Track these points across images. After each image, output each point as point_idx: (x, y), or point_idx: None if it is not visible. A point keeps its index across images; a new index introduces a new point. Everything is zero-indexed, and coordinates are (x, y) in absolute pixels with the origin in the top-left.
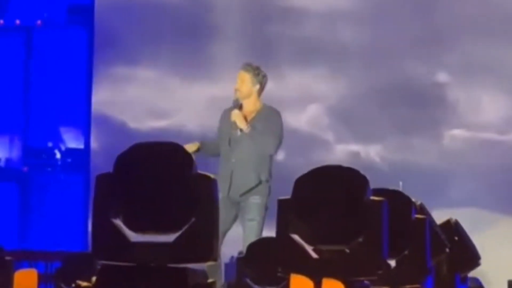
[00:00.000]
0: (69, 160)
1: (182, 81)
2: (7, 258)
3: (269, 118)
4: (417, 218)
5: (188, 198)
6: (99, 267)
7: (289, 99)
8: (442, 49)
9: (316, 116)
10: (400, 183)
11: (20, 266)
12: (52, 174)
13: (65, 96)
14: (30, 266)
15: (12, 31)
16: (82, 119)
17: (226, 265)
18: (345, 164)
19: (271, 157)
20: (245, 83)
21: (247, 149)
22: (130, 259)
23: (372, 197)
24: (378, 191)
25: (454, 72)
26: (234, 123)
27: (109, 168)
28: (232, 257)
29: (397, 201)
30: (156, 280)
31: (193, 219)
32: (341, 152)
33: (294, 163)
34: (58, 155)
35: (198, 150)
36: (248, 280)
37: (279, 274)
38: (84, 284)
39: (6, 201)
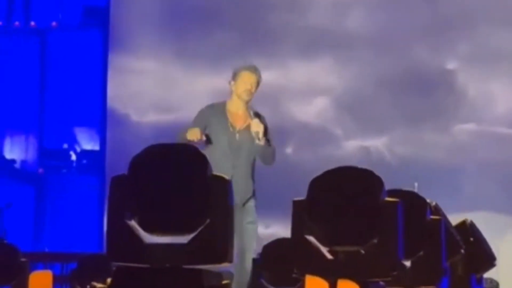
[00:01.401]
0: (84, 161)
1: (186, 73)
2: (23, 259)
3: (269, 129)
4: (432, 219)
5: (203, 199)
6: (114, 268)
7: (295, 90)
8: (453, 37)
9: (323, 108)
10: (415, 184)
11: (35, 267)
12: (67, 176)
13: (80, 98)
14: (45, 267)
15: (27, 33)
16: (97, 120)
17: None
18: (353, 158)
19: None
20: (255, 86)
21: (247, 155)
22: (145, 261)
23: (387, 198)
24: (393, 192)
25: (465, 62)
26: (256, 133)
27: (124, 169)
28: None
29: (412, 202)
30: (171, 281)
31: (208, 221)
32: (349, 146)
33: (302, 158)
34: (73, 157)
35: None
36: (263, 281)
37: (294, 275)
38: (99, 285)
39: (22, 203)
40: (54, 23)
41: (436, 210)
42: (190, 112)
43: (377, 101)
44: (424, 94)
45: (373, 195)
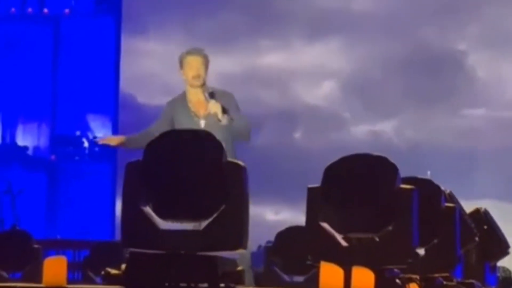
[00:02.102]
0: (96, 148)
1: None
2: (36, 246)
3: (232, 104)
4: (446, 206)
5: (218, 185)
6: (127, 255)
7: (303, 73)
8: (462, 19)
9: (331, 91)
10: (428, 172)
11: (47, 254)
12: (79, 163)
13: (93, 85)
14: (57, 254)
15: (40, 20)
16: (110, 107)
17: (253, 254)
18: (362, 143)
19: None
20: (202, 68)
21: (223, 141)
22: (159, 247)
23: (402, 186)
24: (408, 180)
25: (474, 44)
26: (215, 114)
27: (136, 157)
28: (260, 246)
29: (427, 189)
30: (185, 267)
31: (223, 207)
32: (358, 130)
33: (311, 143)
34: (85, 144)
35: (124, 144)
36: (276, 269)
37: (308, 262)
38: (114, 271)
39: (34, 190)
40: (67, 10)
41: (451, 197)
42: None
43: (386, 84)
44: (433, 76)
45: (388, 183)
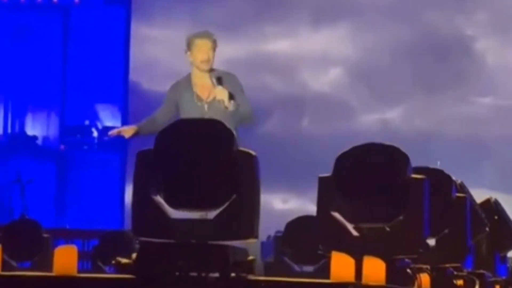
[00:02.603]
0: (105, 138)
1: None
2: (45, 235)
3: (237, 87)
4: (457, 196)
5: (229, 175)
6: (137, 245)
7: (310, 60)
8: (471, 4)
9: (338, 78)
10: (438, 162)
11: (57, 244)
12: (88, 153)
13: (102, 74)
14: (67, 244)
15: (50, 10)
16: (119, 97)
17: (262, 243)
18: (369, 131)
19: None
20: (210, 52)
21: None
22: (170, 236)
23: (413, 175)
24: (419, 169)
25: (483, 30)
26: (221, 101)
27: (147, 146)
28: (269, 235)
29: (438, 179)
30: (196, 257)
31: (234, 196)
32: (365, 118)
33: (318, 131)
34: (95, 133)
35: (137, 133)
36: (286, 259)
37: (319, 252)
38: (124, 260)
39: (43, 179)
40: (76, 0)
41: (462, 188)
42: None
43: (393, 70)
44: (441, 62)
45: (399, 172)
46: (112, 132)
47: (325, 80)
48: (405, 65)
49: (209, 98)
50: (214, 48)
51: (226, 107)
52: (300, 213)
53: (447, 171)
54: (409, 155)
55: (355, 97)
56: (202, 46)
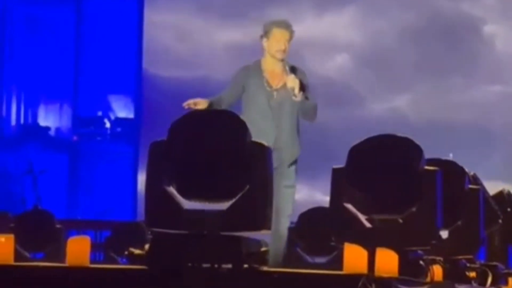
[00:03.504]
0: (118, 129)
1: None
2: (58, 226)
3: (308, 84)
4: (470, 188)
5: (242, 166)
6: (149, 236)
7: (315, 45)
8: None
9: (344, 64)
10: (450, 155)
11: (69, 235)
12: (101, 144)
13: (115, 65)
14: (79, 235)
15: (62, 2)
16: (132, 88)
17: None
18: (377, 119)
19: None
20: (287, 43)
21: (291, 115)
22: (183, 227)
23: (426, 167)
24: (432, 161)
25: (492, 13)
26: (292, 88)
27: (160, 137)
28: None
29: (451, 171)
30: (209, 248)
31: (247, 187)
32: (372, 106)
33: (325, 119)
34: (107, 124)
35: (209, 107)
36: (299, 250)
37: (332, 243)
38: (137, 251)
39: (56, 170)
40: None
41: (475, 179)
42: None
43: (401, 56)
44: (450, 47)
45: (412, 164)
46: (188, 103)
47: (331, 67)
48: (412, 50)
49: (279, 85)
50: (291, 39)
51: (295, 96)
52: (308, 202)
53: (459, 163)
54: (418, 142)
55: (362, 83)
56: (280, 36)
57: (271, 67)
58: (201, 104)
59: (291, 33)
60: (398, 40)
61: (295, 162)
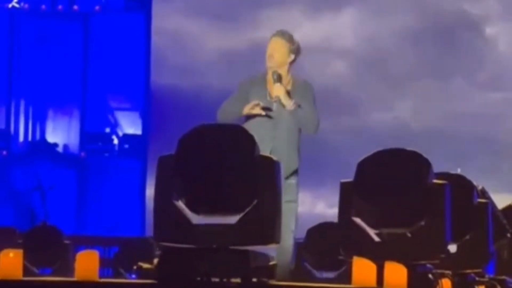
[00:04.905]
0: (126, 145)
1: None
2: (66, 242)
3: (308, 95)
4: (479, 202)
5: (250, 180)
6: (157, 251)
7: (311, 51)
8: None
9: (342, 69)
10: (459, 169)
11: (77, 250)
12: (109, 160)
13: (123, 82)
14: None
15: (70, 17)
16: (140, 104)
17: None
18: (377, 129)
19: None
20: (280, 50)
21: (288, 126)
22: (192, 241)
23: (434, 181)
24: (440, 175)
25: (493, 12)
26: (277, 98)
27: (168, 152)
28: None
29: (459, 184)
30: (218, 262)
31: (255, 201)
32: (372, 114)
33: (324, 128)
34: (115, 141)
35: None
36: (307, 265)
37: (340, 257)
38: (146, 266)
39: (64, 186)
40: (97, 7)
41: (483, 193)
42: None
43: (401, 59)
44: (452, 50)
45: (421, 178)
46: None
47: (328, 73)
48: (412, 55)
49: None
50: (287, 48)
51: (284, 105)
52: (310, 213)
53: (468, 177)
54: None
55: (360, 89)
56: (271, 43)
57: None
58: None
59: (284, 41)
60: (397, 44)
61: (294, 176)
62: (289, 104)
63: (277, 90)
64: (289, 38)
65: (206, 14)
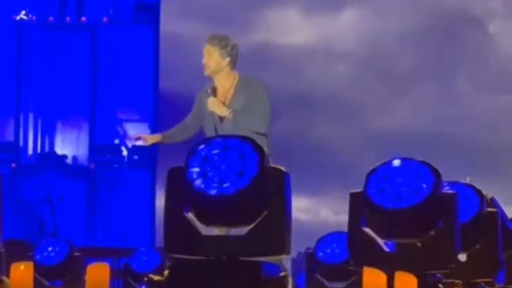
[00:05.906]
0: (135, 157)
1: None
2: (76, 254)
3: (249, 93)
4: (488, 211)
5: (260, 191)
6: (167, 262)
7: (313, 54)
8: None
9: (345, 73)
10: (468, 178)
11: (88, 262)
12: (118, 171)
13: (131, 93)
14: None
15: (78, 29)
16: (149, 116)
17: (293, 260)
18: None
19: (264, 135)
20: (213, 57)
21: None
22: (202, 253)
23: (444, 191)
24: (450, 185)
25: (496, 8)
26: (212, 113)
27: (178, 163)
28: (300, 252)
29: (469, 194)
30: (228, 273)
31: (265, 212)
32: (377, 118)
33: (327, 132)
34: (124, 152)
35: (160, 142)
36: (317, 275)
37: (350, 267)
38: (157, 277)
39: (73, 198)
40: (105, 19)
41: (493, 202)
42: None
43: (401, 59)
44: (454, 45)
45: (430, 188)
46: (134, 136)
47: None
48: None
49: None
50: (219, 53)
51: (220, 119)
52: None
53: (477, 186)
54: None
55: (362, 92)
56: (204, 52)
57: (220, 86)
58: (149, 140)
59: (217, 45)
60: (399, 45)
61: None
62: (224, 113)
63: (211, 105)
64: (219, 42)
65: (215, 21)
